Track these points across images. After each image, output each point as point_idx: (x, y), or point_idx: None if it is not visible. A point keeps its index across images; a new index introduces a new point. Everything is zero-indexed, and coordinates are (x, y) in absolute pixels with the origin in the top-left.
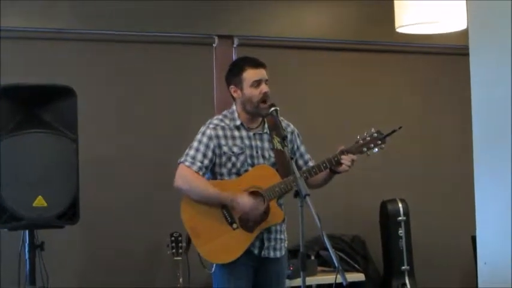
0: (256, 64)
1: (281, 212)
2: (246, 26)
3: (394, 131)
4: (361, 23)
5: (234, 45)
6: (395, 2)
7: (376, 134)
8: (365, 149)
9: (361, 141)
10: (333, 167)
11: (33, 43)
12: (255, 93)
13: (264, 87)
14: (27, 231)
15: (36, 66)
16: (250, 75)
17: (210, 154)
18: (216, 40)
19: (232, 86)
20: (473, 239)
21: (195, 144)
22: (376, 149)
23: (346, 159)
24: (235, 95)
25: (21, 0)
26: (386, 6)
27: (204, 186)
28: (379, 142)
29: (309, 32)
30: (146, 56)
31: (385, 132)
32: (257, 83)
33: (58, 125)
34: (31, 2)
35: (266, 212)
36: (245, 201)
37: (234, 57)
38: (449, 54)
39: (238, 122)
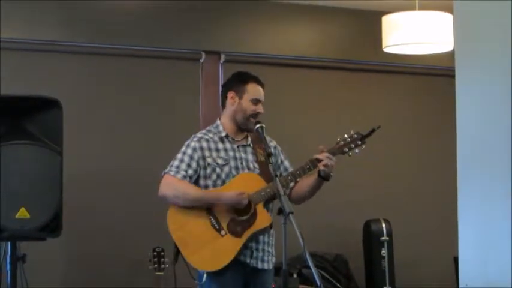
0: (260, 82)
1: (268, 215)
2: (233, 43)
3: (373, 131)
4: (349, 41)
5: (221, 61)
6: (383, 21)
7: (356, 135)
8: (346, 149)
9: (342, 142)
10: (315, 167)
11: (19, 54)
12: (251, 107)
13: (259, 108)
14: (9, 243)
15: (21, 78)
16: (254, 89)
17: (194, 165)
18: (203, 56)
19: (231, 92)
20: (456, 260)
21: (179, 155)
22: (357, 150)
23: (322, 156)
24: (230, 101)
25: (8, 12)
26: (374, 26)
27: (190, 189)
28: (359, 142)
29: (296, 50)
30: (133, 69)
31: (364, 132)
32: (256, 101)
33: (43, 136)
34: (18, 13)
35: (253, 216)
36: (230, 193)
37: (221, 73)
38: (436, 75)
39: (223, 134)
